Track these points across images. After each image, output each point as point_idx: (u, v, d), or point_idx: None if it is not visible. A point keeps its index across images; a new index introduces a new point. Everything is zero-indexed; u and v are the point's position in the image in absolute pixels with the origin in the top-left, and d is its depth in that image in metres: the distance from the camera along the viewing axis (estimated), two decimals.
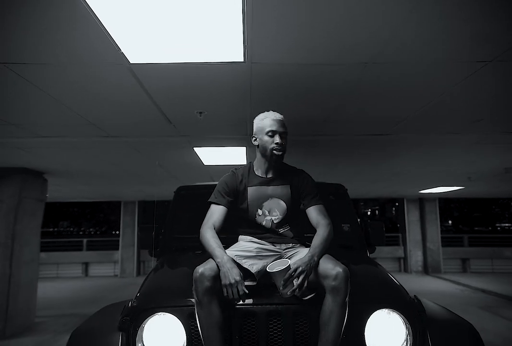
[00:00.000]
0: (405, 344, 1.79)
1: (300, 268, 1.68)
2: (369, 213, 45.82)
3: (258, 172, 2.07)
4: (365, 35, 1.88)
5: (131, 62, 2.08)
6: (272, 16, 1.70)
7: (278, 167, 2.07)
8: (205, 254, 1.88)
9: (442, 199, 14.14)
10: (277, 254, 1.98)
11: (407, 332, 1.79)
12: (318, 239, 1.86)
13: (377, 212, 43.28)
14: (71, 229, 40.18)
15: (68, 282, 11.14)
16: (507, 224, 36.97)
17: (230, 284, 1.64)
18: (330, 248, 1.88)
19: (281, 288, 1.71)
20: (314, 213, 1.99)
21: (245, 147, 4.47)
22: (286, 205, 2.02)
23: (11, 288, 5.50)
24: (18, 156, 4.85)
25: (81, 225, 41.47)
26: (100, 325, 1.99)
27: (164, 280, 2.26)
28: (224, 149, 4.58)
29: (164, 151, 4.75)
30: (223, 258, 1.72)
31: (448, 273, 12.11)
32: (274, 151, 1.95)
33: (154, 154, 4.88)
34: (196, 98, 2.74)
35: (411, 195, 11.74)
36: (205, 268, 1.67)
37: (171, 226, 3.03)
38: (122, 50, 1.94)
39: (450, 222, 42.17)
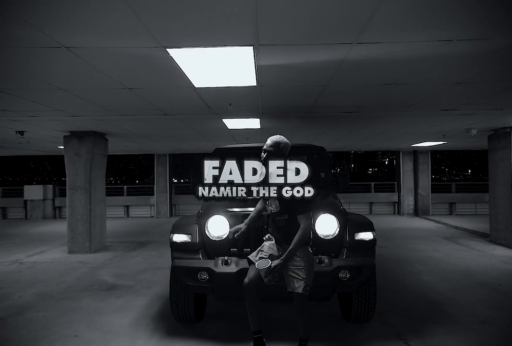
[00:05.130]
0: (337, 230, 3.66)
1: (276, 268, 2.78)
2: (386, 162, 46.67)
3: None
4: (318, 75, 3.59)
5: (196, 86, 3.86)
6: (271, 70, 3.40)
7: None
8: None
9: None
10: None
11: (337, 224, 3.65)
12: (293, 242, 2.83)
13: (394, 161, 43.85)
14: None
15: (115, 221, 13.28)
16: None
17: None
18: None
19: (263, 276, 2.81)
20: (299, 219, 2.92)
21: (258, 119, 6.22)
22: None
23: (91, 218, 7.68)
24: (96, 124, 6.72)
25: None
26: (185, 222, 3.92)
27: (212, 204, 4.16)
28: (244, 119, 6.33)
29: (200, 121, 6.55)
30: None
31: (436, 215, 13.98)
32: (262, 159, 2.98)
33: (193, 123, 6.69)
34: (228, 99, 4.55)
35: (406, 148, 13.30)
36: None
37: None
38: (193, 82, 3.72)
39: (469, 171, 42.44)
